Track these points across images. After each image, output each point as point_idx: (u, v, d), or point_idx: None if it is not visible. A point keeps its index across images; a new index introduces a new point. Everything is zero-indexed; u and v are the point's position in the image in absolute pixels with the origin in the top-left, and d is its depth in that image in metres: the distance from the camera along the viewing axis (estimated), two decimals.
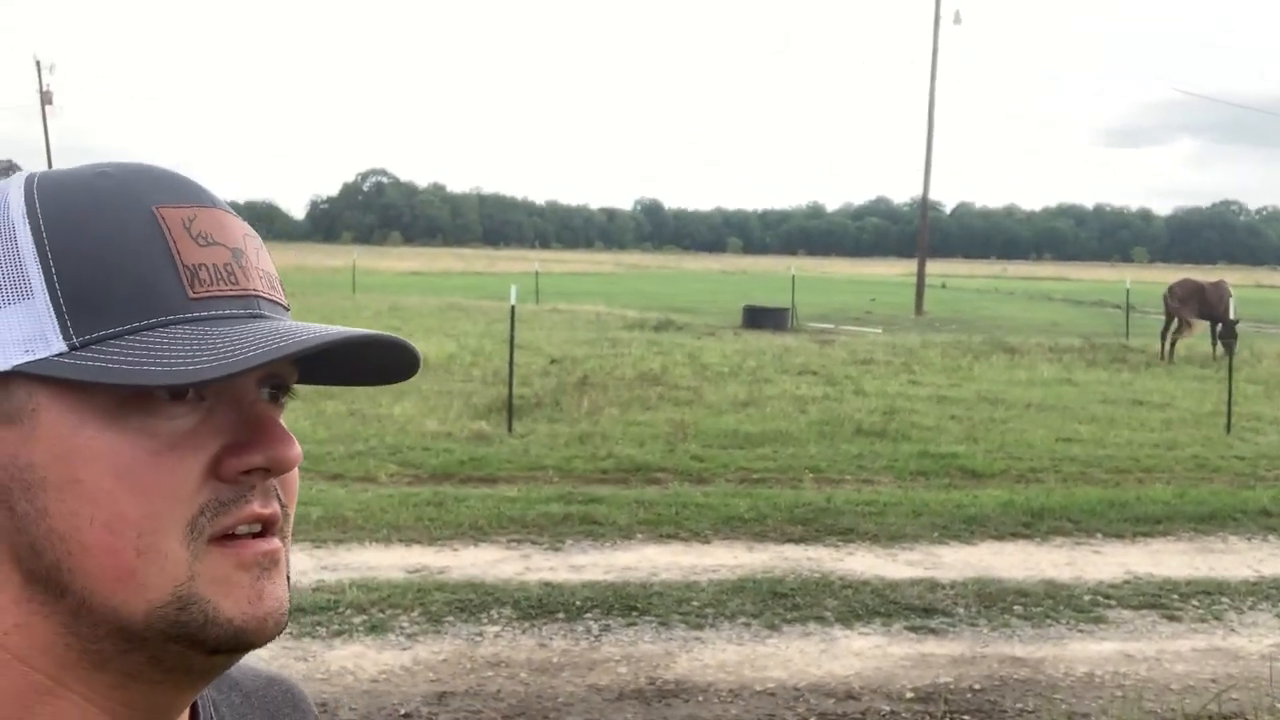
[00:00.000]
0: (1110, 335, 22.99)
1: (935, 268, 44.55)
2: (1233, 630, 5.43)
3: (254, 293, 0.58)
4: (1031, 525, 7.26)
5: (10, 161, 0.74)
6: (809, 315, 27.54)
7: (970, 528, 7.18)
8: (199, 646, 0.55)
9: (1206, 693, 4.39)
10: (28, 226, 0.53)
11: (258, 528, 0.57)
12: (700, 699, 4.53)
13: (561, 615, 5.41)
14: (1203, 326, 18.29)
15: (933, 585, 6.02)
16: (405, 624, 5.25)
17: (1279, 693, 4.40)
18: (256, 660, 0.69)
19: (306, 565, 6.06)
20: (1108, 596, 5.90)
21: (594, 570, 6.12)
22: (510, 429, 10.04)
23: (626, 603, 5.57)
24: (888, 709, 4.48)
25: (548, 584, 5.84)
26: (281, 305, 0.60)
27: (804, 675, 4.81)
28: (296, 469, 0.60)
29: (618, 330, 21.47)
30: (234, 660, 0.59)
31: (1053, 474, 8.94)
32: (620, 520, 7.04)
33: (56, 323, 0.52)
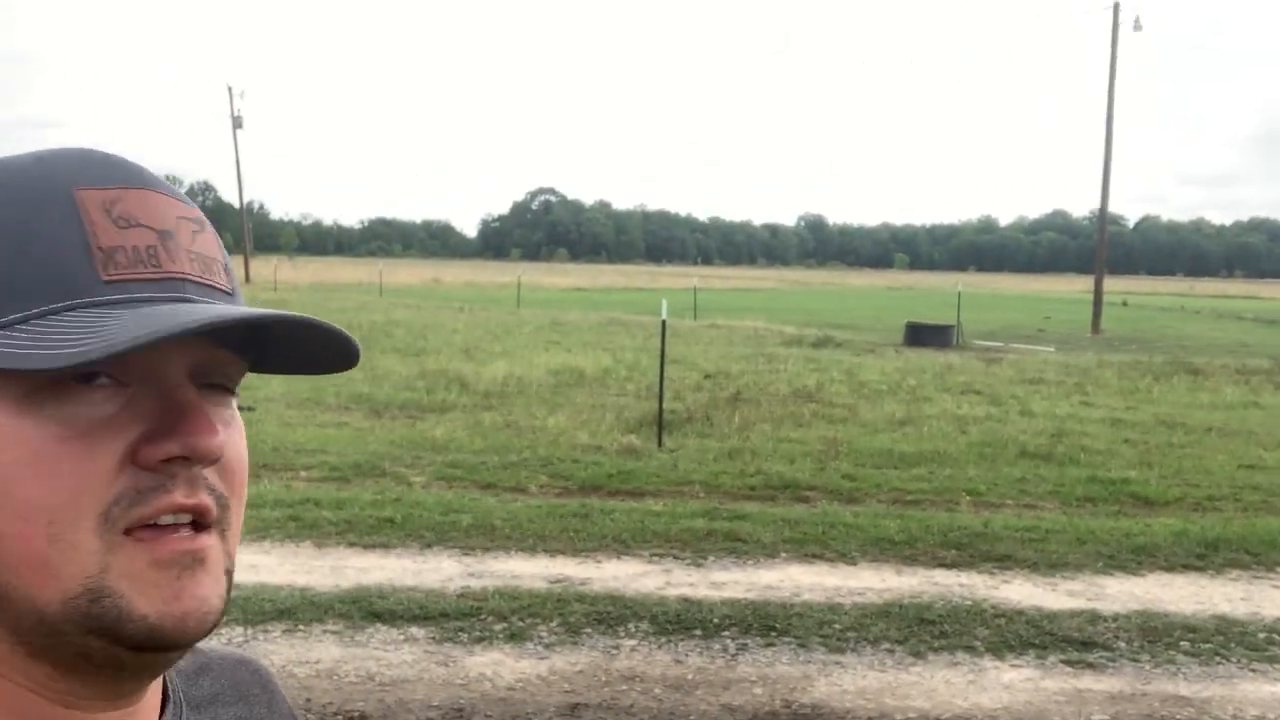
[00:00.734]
0: None
1: (1116, 284, 42.49)
2: None
3: (179, 275, 0.56)
4: (1205, 557, 6.79)
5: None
6: (976, 333, 26.67)
7: (1138, 558, 6.78)
8: (119, 643, 0.54)
9: None
10: None
11: (186, 519, 0.55)
12: None
13: (699, 632, 5.35)
14: None
15: (1094, 617, 5.70)
16: (544, 633, 5.30)
17: None
18: (218, 641, 0.68)
19: (453, 571, 6.20)
20: None
21: (735, 588, 6.04)
22: (660, 443, 10.05)
23: (766, 622, 5.47)
24: None
25: (687, 600, 5.79)
26: (218, 289, 0.58)
27: (948, 706, 4.61)
28: (241, 459, 0.59)
29: (775, 346, 21.29)
30: (170, 658, 0.57)
31: (1232, 503, 8.36)
32: (765, 538, 6.94)
33: None
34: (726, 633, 5.35)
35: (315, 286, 49.81)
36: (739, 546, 6.77)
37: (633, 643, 5.22)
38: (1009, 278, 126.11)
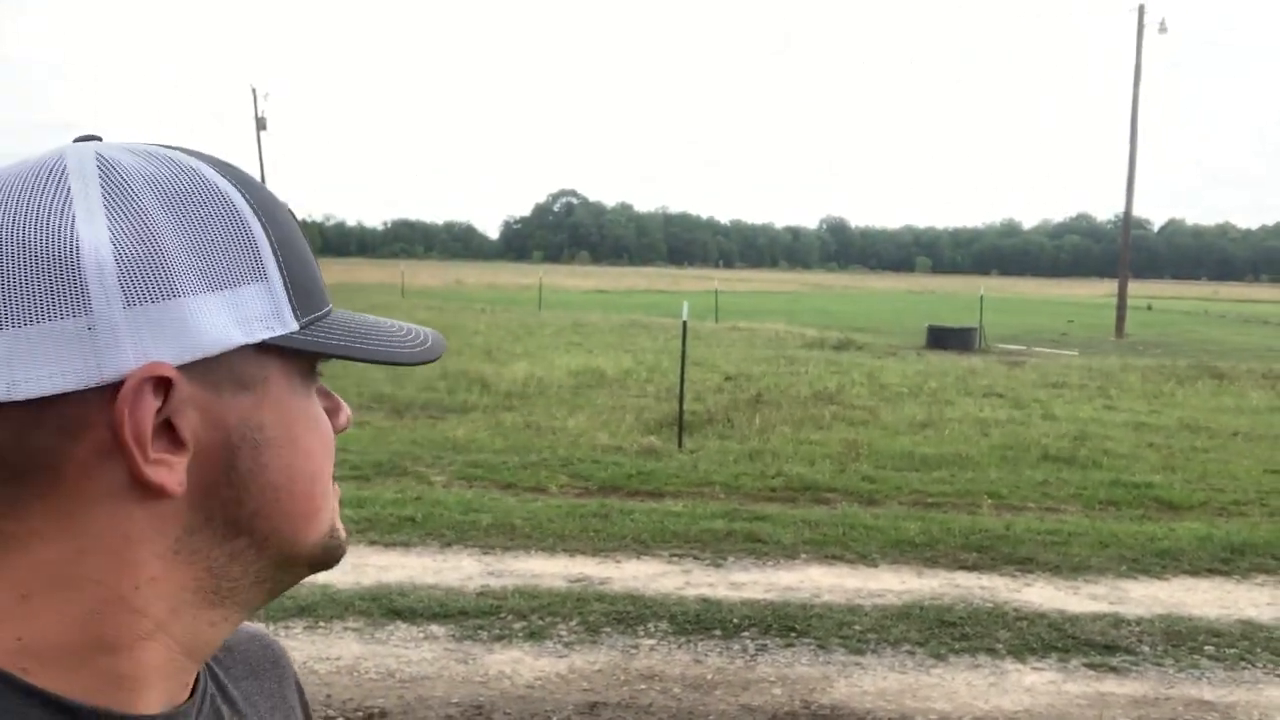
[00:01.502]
0: None
1: (1140, 289, 42.17)
2: None
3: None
4: (1231, 561, 6.73)
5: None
6: (999, 336, 26.52)
7: (1162, 561, 6.72)
8: (326, 565, 0.63)
9: None
10: (250, 211, 0.57)
11: None
12: None
13: (718, 632, 5.35)
14: None
15: (1117, 621, 5.65)
16: (564, 632, 5.30)
17: None
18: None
19: (473, 570, 6.22)
20: None
21: (754, 589, 6.03)
22: (680, 444, 10.05)
23: (785, 623, 5.46)
24: None
25: (706, 600, 5.78)
26: None
27: (969, 708, 4.59)
28: None
29: (796, 349, 21.24)
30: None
31: (1258, 507, 8.27)
32: (785, 539, 6.92)
33: (290, 303, 0.57)
34: (746, 633, 5.34)
35: (338, 287, 49.98)
36: (759, 547, 6.76)
37: (652, 642, 5.22)
38: (1032, 281, 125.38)
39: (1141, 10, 32.24)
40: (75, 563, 0.54)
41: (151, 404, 0.52)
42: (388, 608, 5.51)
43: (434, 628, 5.30)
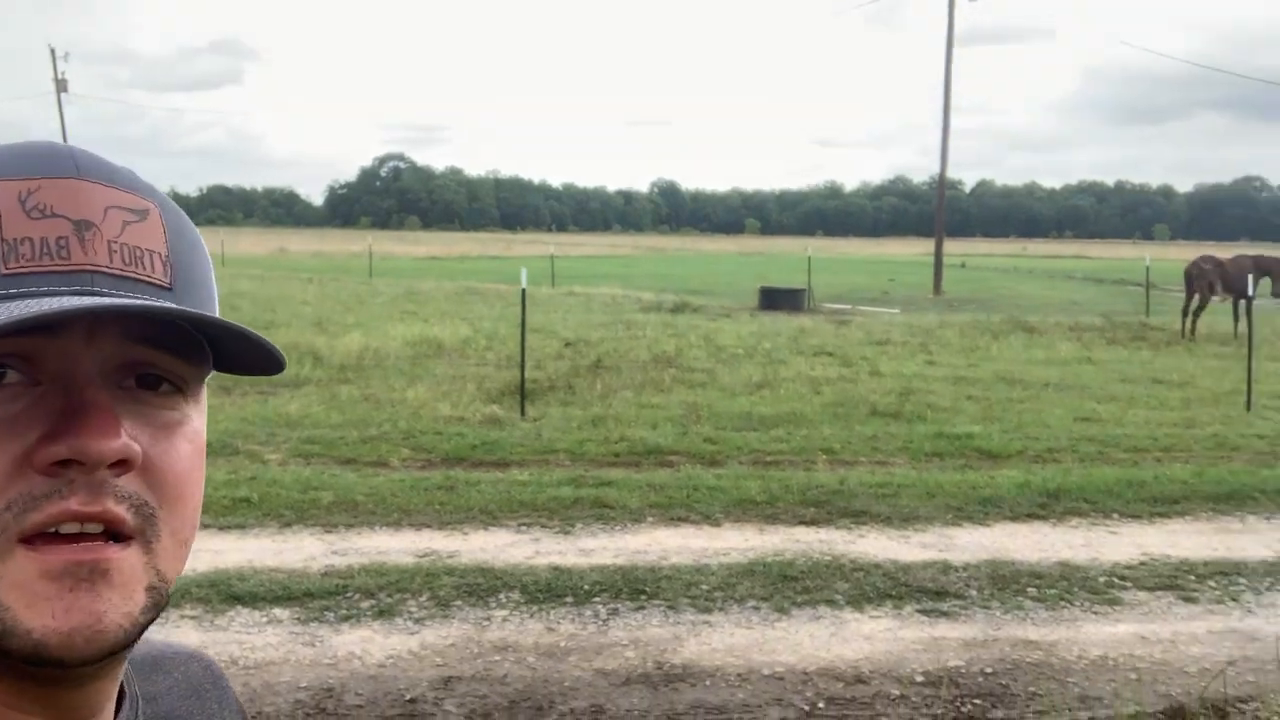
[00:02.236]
0: (1131, 313, 22.78)
1: (954, 247, 44.22)
2: (1250, 611, 5.35)
3: (89, 268, 0.54)
4: (1047, 506, 7.18)
5: None
6: (826, 296, 27.39)
7: (985, 509, 7.11)
8: (5, 656, 0.51)
9: (1221, 676, 4.32)
10: None
11: (96, 528, 0.53)
12: (708, 683, 4.50)
13: (570, 599, 5.38)
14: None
15: (946, 568, 5.96)
16: (413, 608, 5.24)
17: None
18: (155, 636, 0.66)
19: (316, 550, 6.06)
20: (1123, 578, 5.83)
21: (603, 554, 6.09)
22: (523, 413, 10.01)
23: (635, 586, 5.54)
24: (897, 693, 4.44)
25: (557, 568, 5.81)
26: (146, 281, 0.56)
27: (813, 659, 4.77)
28: (182, 465, 0.56)
29: (633, 313, 21.42)
30: (84, 673, 0.55)
31: (1070, 454, 8.84)
32: (631, 504, 7.01)
33: None
34: (597, 599, 5.39)
35: None
36: (606, 513, 6.82)
37: (504, 613, 5.22)
38: (854, 242, 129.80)
39: None
40: None
41: None
42: (227, 593, 5.32)
43: (277, 611, 5.15)
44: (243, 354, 0.59)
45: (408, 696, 4.34)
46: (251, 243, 66.49)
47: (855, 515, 6.91)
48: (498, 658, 4.73)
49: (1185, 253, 28.75)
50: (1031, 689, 4.48)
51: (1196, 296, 18.15)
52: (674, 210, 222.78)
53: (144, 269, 0.56)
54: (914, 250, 77.04)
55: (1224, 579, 5.79)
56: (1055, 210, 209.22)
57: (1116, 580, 5.79)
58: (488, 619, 5.15)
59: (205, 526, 6.40)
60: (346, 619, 5.09)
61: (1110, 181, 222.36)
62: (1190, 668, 4.65)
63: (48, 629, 0.51)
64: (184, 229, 0.60)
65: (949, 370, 13.54)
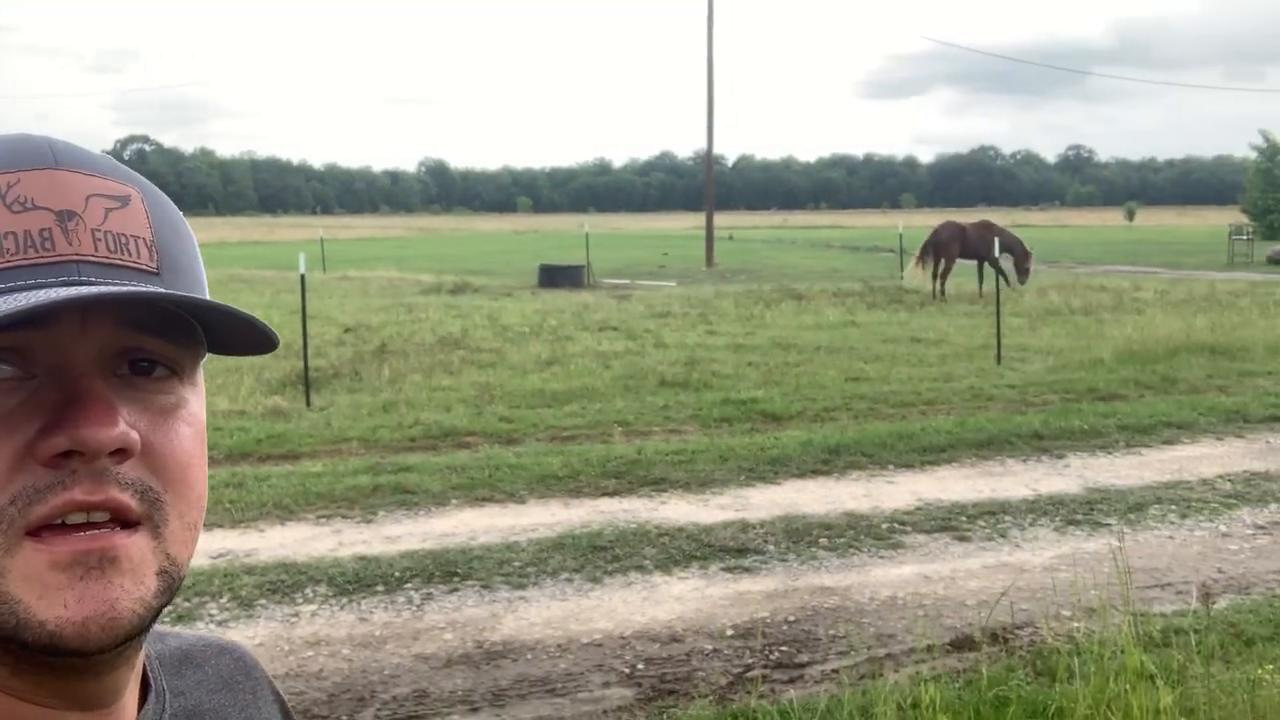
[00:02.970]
0: (886, 278, 24.22)
1: (721, 220, 45.59)
2: (1017, 546, 5.88)
3: (75, 258, 0.54)
4: (830, 462, 7.61)
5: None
6: (604, 272, 27.74)
7: (774, 468, 7.46)
8: (24, 649, 0.51)
9: (998, 606, 4.74)
10: None
11: (103, 516, 0.53)
12: (529, 657, 4.55)
13: (380, 588, 5.30)
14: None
15: (744, 526, 6.23)
16: (214, 611, 5.03)
17: (1064, 601, 4.80)
18: (190, 630, 0.66)
19: None
20: (903, 523, 6.27)
21: (410, 540, 6.02)
22: (308, 402, 9.71)
23: (447, 569, 5.51)
24: (710, 647, 4.63)
25: (363, 558, 5.71)
26: (134, 268, 0.56)
27: (629, 623, 4.90)
28: (183, 450, 0.57)
29: (413, 295, 21.05)
30: (99, 662, 0.55)
31: (845, 412, 9.38)
32: (433, 487, 6.94)
33: None
34: (409, 584, 5.34)
35: None
36: (408, 498, 6.74)
37: (312, 608, 5.09)
38: (626, 217, 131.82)
39: None
40: None
41: None
42: None
43: None
44: (235, 334, 0.59)
45: None
46: None
47: (655, 483, 7.10)
48: (310, 653, 4.62)
49: (930, 219, 30.81)
50: (832, 632, 4.78)
51: (943, 261, 19.51)
52: (444, 190, 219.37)
53: (130, 255, 0.55)
54: (684, 224, 79.02)
55: (991, 518, 6.33)
56: (811, 183, 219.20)
57: (897, 525, 6.22)
58: (295, 615, 5.01)
59: None
60: None
61: (859, 154, 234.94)
62: (970, 600, 5.06)
63: (61, 619, 0.51)
64: (167, 212, 0.60)
65: (729, 339, 14.05)
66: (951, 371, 11.38)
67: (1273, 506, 6.56)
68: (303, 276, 10.30)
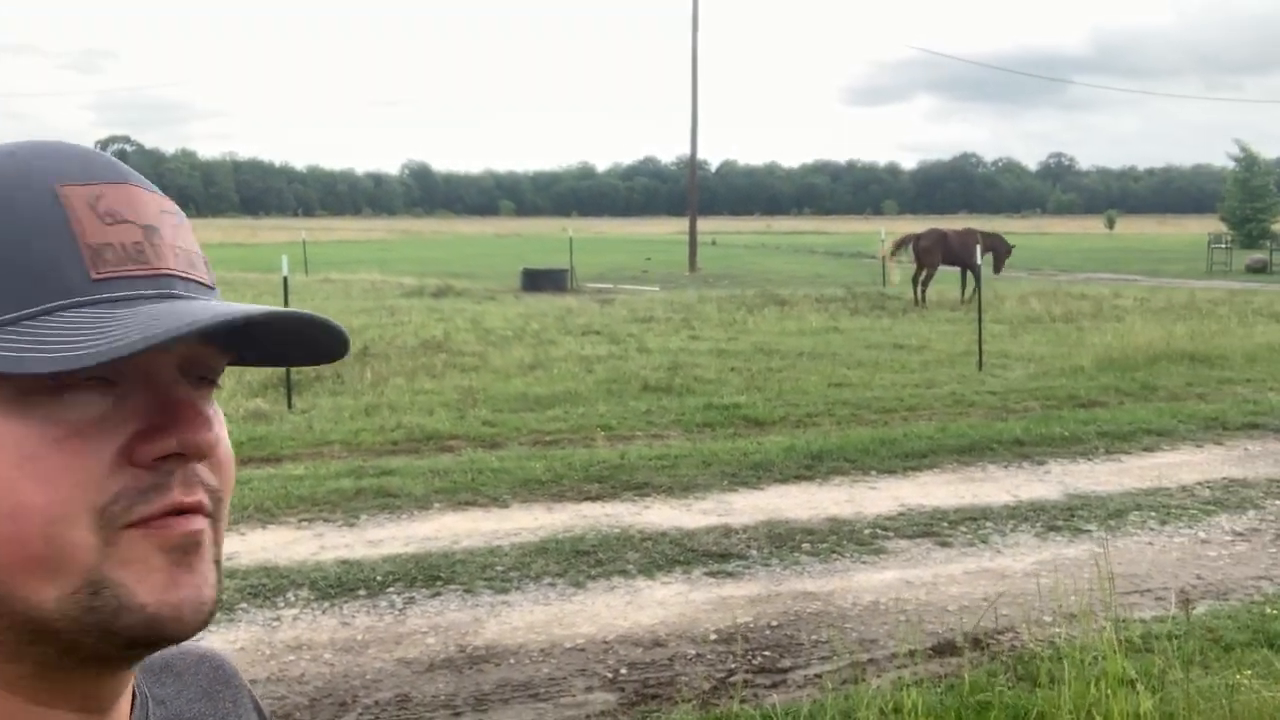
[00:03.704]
0: (869, 284, 24.30)
1: (704, 225, 45.65)
2: (998, 552, 5.90)
3: (167, 271, 0.56)
4: (812, 467, 7.62)
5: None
6: (587, 276, 27.73)
7: (757, 474, 7.47)
8: (113, 638, 0.53)
9: (980, 612, 4.76)
10: None
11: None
12: (512, 661, 4.54)
13: (363, 592, 5.28)
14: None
15: (727, 531, 6.24)
16: None
17: (1045, 606, 4.82)
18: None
19: None
20: (885, 529, 6.29)
21: (393, 543, 6.00)
22: (290, 405, 9.67)
23: (429, 573, 5.50)
24: (693, 652, 4.63)
25: (345, 561, 5.68)
26: (202, 283, 0.58)
27: (612, 628, 4.90)
28: (229, 452, 0.59)
29: (395, 298, 20.99)
30: (152, 651, 0.56)
31: (828, 417, 9.40)
32: (415, 491, 6.93)
33: None
34: (391, 588, 5.32)
35: None
36: (391, 502, 6.72)
37: (294, 612, 5.06)
38: (609, 222, 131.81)
39: None
40: None
41: None
42: None
43: None
44: (308, 345, 0.61)
45: None
46: None
47: (638, 488, 7.10)
48: (292, 657, 4.60)
49: (913, 226, 30.92)
50: (815, 637, 4.78)
51: (925, 268, 19.59)
52: (427, 192, 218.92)
53: (197, 270, 0.58)
54: (667, 229, 79.10)
55: (973, 524, 6.35)
56: (794, 188, 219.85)
57: (880, 531, 6.24)
58: (277, 619, 4.98)
59: None
60: None
61: (843, 160, 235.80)
62: (951, 606, 5.08)
63: (162, 603, 0.53)
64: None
65: (711, 344, 14.06)
66: (933, 378, 11.42)
67: (1251, 513, 6.62)
68: (285, 279, 10.26)
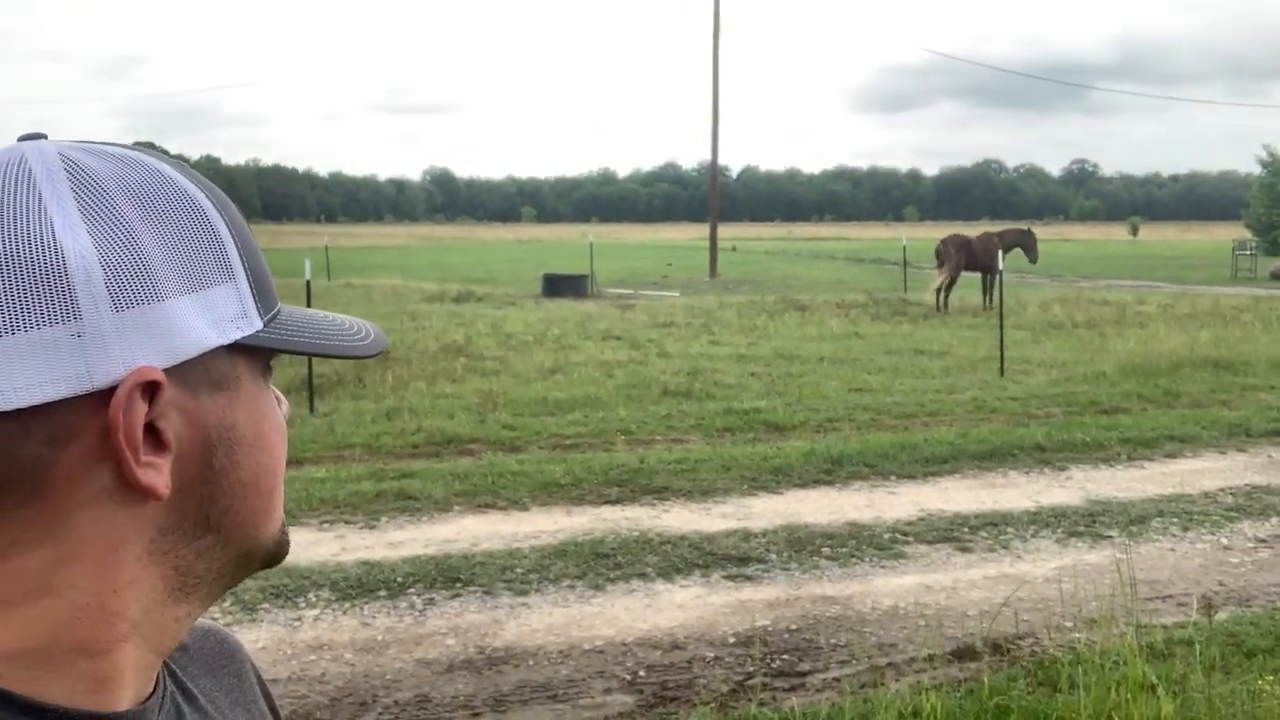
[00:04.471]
0: (890, 290, 24.24)
1: (725, 231, 45.68)
2: (1019, 557, 5.88)
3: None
4: (832, 472, 7.61)
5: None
6: (607, 281, 27.78)
7: (777, 478, 7.47)
8: (276, 560, 0.64)
9: (1000, 617, 4.75)
10: (215, 211, 0.58)
11: None
12: (531, 663, 4.56)
13: (383, 593, 5.32)
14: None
15: (746, 535, 6.24)
16: (217, 615, 5.03)
17: (1066, 612, 4.80)
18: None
19: None
20: (905, 533, 6.27)
21: (413, 545, 6.03)
22: (312, 408, 9.73)
23: (449, 575, 5.53)
24: (711, 655, 4.64)
25: (366, 563, 5.72)
26: None
27: (630, 630, 4.91)
28: None
29: (417, 303, 21.08)
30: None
31: (848, 423, 9.39)
32: (435, 493, 6.96)
33: (255, 303, 0.58)
34: (412, 590, 5.35)
35: None
36: (411, 504, 6.75)
37: (315, 612, 5.10)
38: (629, 227, 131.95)
39: None
40: (56, 569, 0.54)
41: (141, 408, 0.53)
42: None
43: None
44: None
45: None
46: None
47: (657, 492, 7.12)
48: (313, 657, 4.63)
49: (934, 232, 30.84)
50: (833, 641, 4.78)
51: (947, 274, 19.53)
52: (449, 199, 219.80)
53: None
54: (688, 235, 79.13)
55: (994, 529, 6.33)
56: (815, 194, 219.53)
57: (899, 536, 6.23)
58: (298, 619, 5.02)
59: None
60: None
61: (864, 166, 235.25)
62: (971, 611, 5.07)
63: (287, 534, 0.65)
64: None
65: (732, 349, 14.06)
66: (954, 383, 11.39)
67: (1274, 520, 6.57)
68: (308, 283, 10.33)
